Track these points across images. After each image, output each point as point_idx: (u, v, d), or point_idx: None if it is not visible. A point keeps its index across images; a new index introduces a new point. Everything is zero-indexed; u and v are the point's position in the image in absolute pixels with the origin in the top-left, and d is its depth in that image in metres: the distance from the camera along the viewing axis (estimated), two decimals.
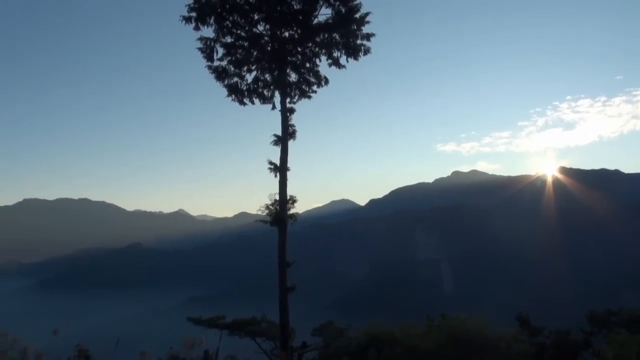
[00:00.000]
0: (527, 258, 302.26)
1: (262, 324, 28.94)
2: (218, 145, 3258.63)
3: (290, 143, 23.67)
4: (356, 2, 22.43)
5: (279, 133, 23.53)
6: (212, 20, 22.59)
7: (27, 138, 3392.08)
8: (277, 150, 23.46)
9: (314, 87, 24.75)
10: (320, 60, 24.29)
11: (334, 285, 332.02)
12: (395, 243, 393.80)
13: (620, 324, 20.65)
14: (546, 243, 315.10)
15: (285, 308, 22.61)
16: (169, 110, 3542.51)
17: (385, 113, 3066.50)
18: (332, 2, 22.52)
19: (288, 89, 24.10)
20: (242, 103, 24.56)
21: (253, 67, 24.19)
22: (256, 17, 23.16)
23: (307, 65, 24.28)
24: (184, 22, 22.36)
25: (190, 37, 23.36)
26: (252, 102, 24.67)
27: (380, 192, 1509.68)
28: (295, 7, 22.78)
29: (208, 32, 22.99)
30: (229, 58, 23.72)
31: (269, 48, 23.61)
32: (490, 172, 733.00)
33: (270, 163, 23.20)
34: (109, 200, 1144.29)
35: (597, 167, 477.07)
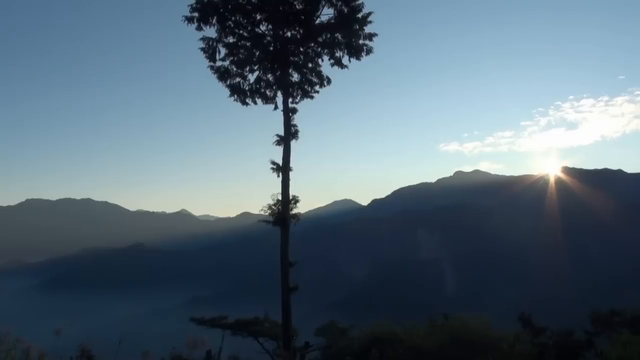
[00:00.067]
0: (529, 258, 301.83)
1: (265, 324, 28.91)
2: (220, 145, 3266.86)
3: (293, 143, 23.70)
4: (358, 2, 22.42)
5: (282, 133, 23.54)
6: (214, 21, 22.60)
7: (30, 138, 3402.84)
8: (280, 150, 23.49)
9: (316, 87, 24.72)
10: (322, 60, 24.29)
11: (337, 286, 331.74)
12: (398, 243, 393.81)
13: (623, 324, 20.56)
14: (549, 243, 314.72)
15: (287, 308, 22.64)
16: (171, 111, 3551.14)
17: (387, 113, 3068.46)
18: (335, 2, 22.52)
19: (290, 89, 24.07)
20: (244, 103, 24.54)
21: (255, 67, 24.16)
22: (258, 17, 23.18)
23: (310, 65, 24.26)
24: (186, 22, 22.39)
25: (192, 37, 23.38)
26: (255, 102, 24.64)
27: (382, 192, 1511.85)
28: (297, 7, 22.79)
29: (210, 32, 23.04)
30: (232, 58, 23.70)
31: (271, 48, 23.59)
32: (492, 172, 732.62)
33: (273, 163, 23.22)
34: (111, 201, 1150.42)
35: (599, 167, 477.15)
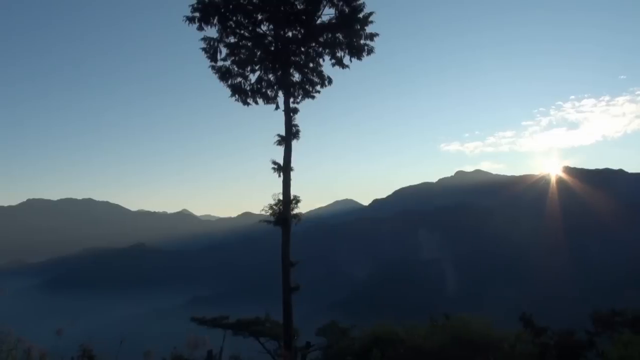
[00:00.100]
0: (531, 258, 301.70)
1: (266, 324, 28.95)
2: (222, 145, 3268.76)
3: (294, 143, 23.65)
4: (359, 2, 22.38)
5: (283, 133, 23.52)
6: (215, 21, 22.58)
7: (31, 138, 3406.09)
8: (281, 150, 23.47)
9: (318, 87, 24.69)
10: (323, 60, 24.25)
11: (338, 285, 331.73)
12: (399, 243, 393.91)
13: (624, 324, 20.53)
14: (550, 243, 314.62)
15: (289, 308, 22.63)
16: (172, 111, 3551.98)
17: (388, 113, 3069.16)
18: (336, 2, 22.48)
19: (291, 89, 24.03)
20: (245, 103, 24.50)
21: (256, 67, 24.13)
22: (260, 17, 23.17)
23: (311, 65, 24.25)
24: (187, 22, 22.38)
25: (193, 37, 23.39)
26: (256, 102, 24.60)
27: (383, 192, 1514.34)
28: (298, 7, 22.77)
29: (212, 32, 23.01)
30: (233, 58, 23.68)
31: (272, 48, 23.58)
32: (494, 172, 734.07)
33: (274, 163, 23.21)
34: (112, 201, 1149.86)
35: (601, 166, 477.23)
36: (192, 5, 22.16)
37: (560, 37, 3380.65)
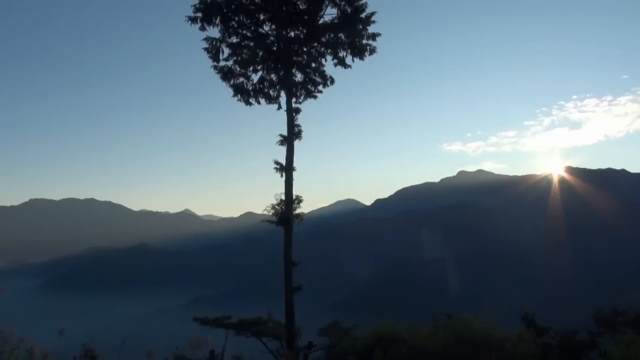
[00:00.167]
0: (533, 258, 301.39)
1: (268, 323, 28.97)
2: (224, 145, 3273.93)
3: (296, 143, 23.60)
4: (362, 2, 22.31)
5: (285, 133, 23.50)
6: (217, 21, 22.52)
7: (33, 138, 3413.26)
8: (283, 150, 23.43)
9: (320, 87, 24.61)
10: (325, 60, 24.16)
11: (340, 285, 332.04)
12: (401, 243, 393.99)
13: (627, 324, 20.49)
14: (552, 243, 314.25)
15: (291, 308, 22.61)
16: (174, 110, 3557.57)
17: (391, 112, 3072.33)
18: (338, 2, 22.42)
19: (294, 89, 24.00)
20: (247, 103, 24.46)
21: (259, 67, 24.08)
22: (262, 17, 23.12)
23: (313, 65, 24.19)
24: (189, 22, 22.34)
25: (196, 37, 23.41)
26: (258, 102, 24.55)
27: (386, 191, 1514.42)
28: (300, 7, 22.71)
29: (214, 32, 22.93)
30: (235, 58, 23.64)
31: (274, 48, 23.55)
32: (496, 172, 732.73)
33: (276, 163, 23.17)
34: (115, 200, 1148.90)
35: (603, 166, 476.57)
36: (195, 6, 22.11)
37: (563, 37, 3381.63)
